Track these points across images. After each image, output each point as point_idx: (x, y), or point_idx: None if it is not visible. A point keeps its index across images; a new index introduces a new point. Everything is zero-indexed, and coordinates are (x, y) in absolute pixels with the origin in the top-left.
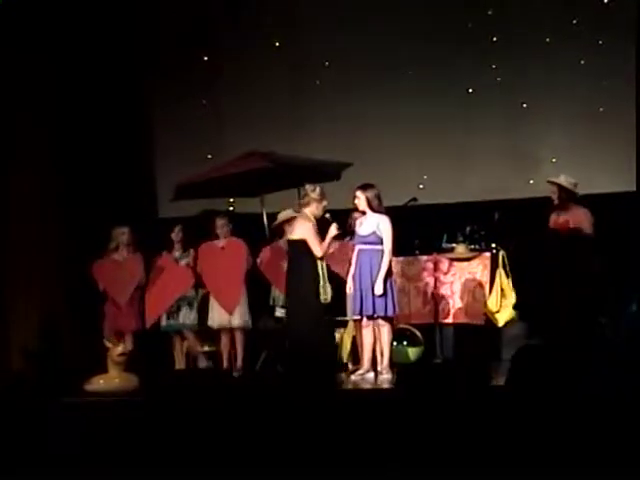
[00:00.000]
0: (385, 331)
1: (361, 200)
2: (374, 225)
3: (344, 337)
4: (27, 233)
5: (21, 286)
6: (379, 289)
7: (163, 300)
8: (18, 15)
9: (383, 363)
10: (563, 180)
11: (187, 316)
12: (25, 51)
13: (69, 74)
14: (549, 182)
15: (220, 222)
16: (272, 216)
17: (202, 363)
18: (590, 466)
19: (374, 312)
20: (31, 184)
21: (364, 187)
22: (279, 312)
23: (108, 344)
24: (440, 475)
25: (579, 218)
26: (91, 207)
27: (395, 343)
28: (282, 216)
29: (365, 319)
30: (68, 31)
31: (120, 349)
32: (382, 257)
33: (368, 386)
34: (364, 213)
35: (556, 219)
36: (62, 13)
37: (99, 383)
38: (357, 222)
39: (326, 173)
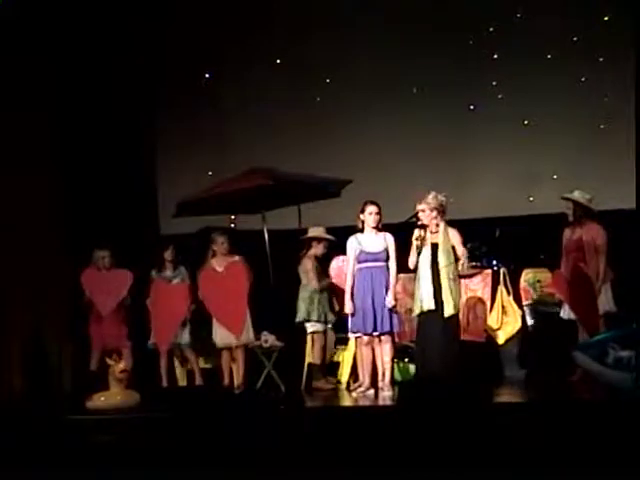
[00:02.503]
0: (388, 348)
1: (379, 216)
2: (383, 241)
3: (344, 355)
4: (26, 244)
5: (19, 299)
6: (392, 301)
7: (170, 323)
8: (20, 18)
9: (385, 380)
10: (578, 196)
11: (181, 335)
12: (27, 60)
13: (72, 86)
14: (563, 198)
15: (220, 239)
16: (273, 233)
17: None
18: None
19: (392, 328)
20: (30, 193)
21: (377, 204)
22: (312, 327)
23: (110, 361)
24: None
25: (593, 234)
26: (92, 221)
27: (396, 360)
28: (312, 232)
29: (366, 336)
30: (71, 43)
31: (122, 366)
32: (389, 273)
33: (369, 403)
34: (361, 230)
35: (570, 235)
36: (66, 20)
37: (100, 400)
38: (357, 239)
39: (327, 190)
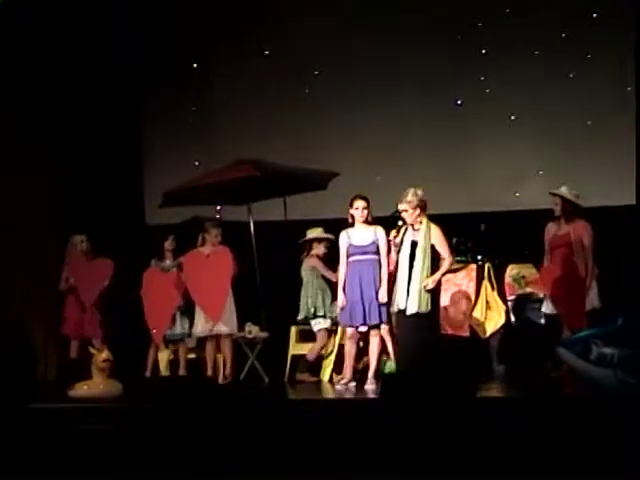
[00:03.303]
0: (375, 341)
1: (366, 210)
2: (372, 235)
3: (329, 348)
4: (17, 238)
5: (9, 291)
6: (384, 297)
7: (163, 311)
8: (19, 17)
9: (369, 373)
10: (565, 192)
11: (184, 325)
12: (19, 62)
13: (60, 78)
14: (551, 194)
15: (215, 231)
16: (259, 224)
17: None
18: None
19: (380, 321)
20: (20, 190)
21: (365, 198)
22: (321, 324)
23: (92, 350)
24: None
25: (580, 231)
26: (78, 212)
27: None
28: (312, 233)
29: (352, 329)
30: (57, 39)
31: (104, 355)
32: (380, 266)
33: (352, 396)
34: (352, 224)
35: (556, 231)
36: (63, 18)
37: (83, 389)
38: (347, 234)
39: (314, 182)
